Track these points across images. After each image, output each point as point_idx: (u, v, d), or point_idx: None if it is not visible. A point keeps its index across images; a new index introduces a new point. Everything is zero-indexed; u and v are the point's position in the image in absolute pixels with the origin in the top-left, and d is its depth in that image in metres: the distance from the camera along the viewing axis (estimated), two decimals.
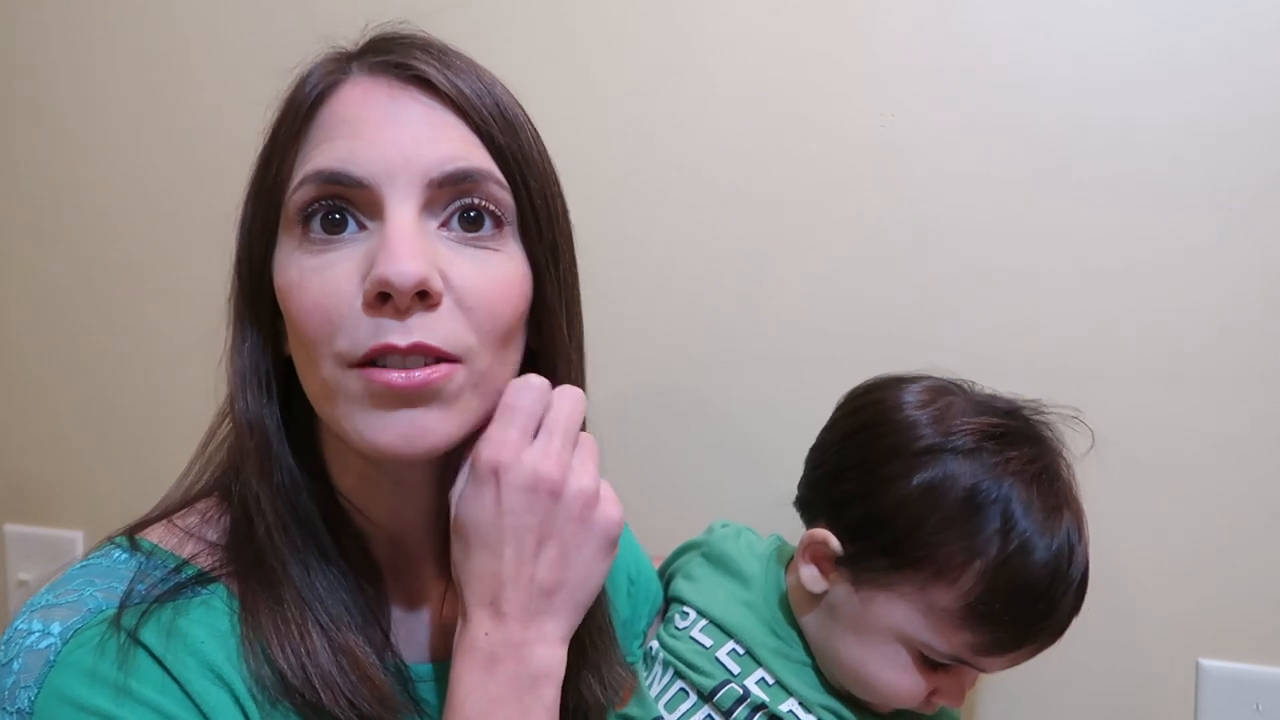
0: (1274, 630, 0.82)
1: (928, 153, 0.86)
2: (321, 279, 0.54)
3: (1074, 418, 0.74)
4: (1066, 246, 0.84)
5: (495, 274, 0.57)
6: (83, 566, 0.57)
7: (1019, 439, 0.71)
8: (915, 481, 0.69)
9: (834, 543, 0.73)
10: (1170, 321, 0.82)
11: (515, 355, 0.60)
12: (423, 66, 0.56)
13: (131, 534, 0.60)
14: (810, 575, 0.74)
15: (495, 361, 0.58)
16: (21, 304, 1.17)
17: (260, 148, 0.60)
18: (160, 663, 0.52)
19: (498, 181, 0.57)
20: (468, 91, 0.57)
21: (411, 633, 0.65)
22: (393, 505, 0.63)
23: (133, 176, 1.10)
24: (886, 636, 0.71)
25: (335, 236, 0.55)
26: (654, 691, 0.78)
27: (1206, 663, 0.83)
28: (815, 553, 0.74)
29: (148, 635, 0.53)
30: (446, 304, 0.55)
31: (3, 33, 1.14)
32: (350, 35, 0.62)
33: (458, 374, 0.56)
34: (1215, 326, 0.82)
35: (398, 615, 0.64)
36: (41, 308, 1.16)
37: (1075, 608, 0.70)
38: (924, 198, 0.87)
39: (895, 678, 0.71)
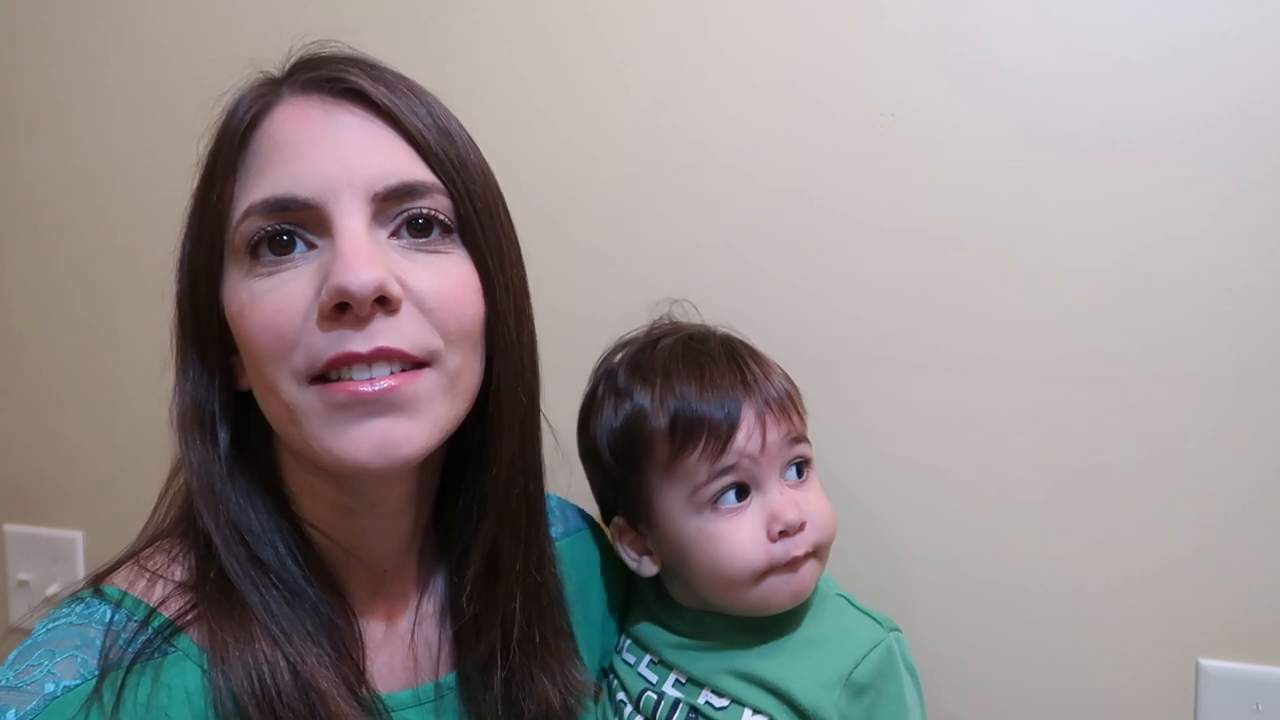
0: (1274, 630, 0.82)
1: (930, 152, 0.86)
2: (273, 297, 0.54)
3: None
4: (1071, 245, 0.84)
5: (451, 275, 0.57)
6: (48, 630, 0.55)
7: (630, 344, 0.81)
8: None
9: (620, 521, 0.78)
10: (1170, 320, 0.82)
11: (479, 358, 0.59)
12: (355, 80, 0.56)
13: (98, 582, 0.58)
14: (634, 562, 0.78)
15: (464, 363, 0.58)
16: (22, 304, 1.17)
17: (196, 180, 0.59)
18: None
19: (440, 191, 0.57)
20: (401, 103, 0.57)
21: (391, 659, 0.64)
22: (367, 530, 0.62)
23: (133, 178, 1.10)
24: (690, 522, 0.73)
25: (284, 258, 0.55)
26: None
27: (1206, 663, 0.83)
28: (625, 541, 0.78)
29: (126, 714, 0.52)
30: (407, 308, 0.55)
31: (3, 35, 1.14)
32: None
33: (426, 377, 0.55)
34: (1217, 324, 0.81)
35: (375, 642, 0.63)
36: (42, 308, 1.16)
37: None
38: (926, 196, 0.87)
39: (732, 543, 0.72)
